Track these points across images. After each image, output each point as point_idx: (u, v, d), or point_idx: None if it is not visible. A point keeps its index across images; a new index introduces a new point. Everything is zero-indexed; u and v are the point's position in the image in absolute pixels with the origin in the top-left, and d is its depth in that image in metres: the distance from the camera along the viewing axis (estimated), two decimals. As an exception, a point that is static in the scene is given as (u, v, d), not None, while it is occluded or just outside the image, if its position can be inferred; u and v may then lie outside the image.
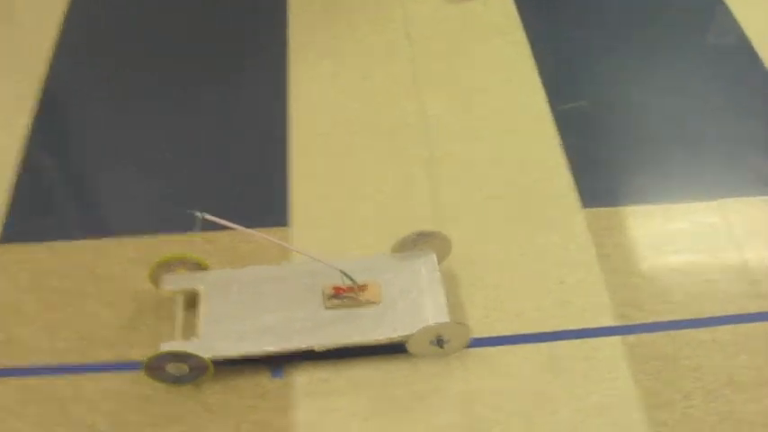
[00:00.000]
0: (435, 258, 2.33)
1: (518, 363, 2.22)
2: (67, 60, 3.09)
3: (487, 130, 2.81)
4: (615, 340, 2.26)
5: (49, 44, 3.13)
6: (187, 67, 3.07)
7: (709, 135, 2.80)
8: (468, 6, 3.26)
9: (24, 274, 2.43)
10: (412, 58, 3.06)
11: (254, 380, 2.19)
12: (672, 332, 2.27)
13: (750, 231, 2.52)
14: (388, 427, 2.11)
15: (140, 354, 2.22)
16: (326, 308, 2.23)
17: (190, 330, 2.21)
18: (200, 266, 2.34)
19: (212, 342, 2.17)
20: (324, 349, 2.17)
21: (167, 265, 2.31)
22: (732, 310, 2.32)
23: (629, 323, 2.29)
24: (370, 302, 2.23)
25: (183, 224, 2.50)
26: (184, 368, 2.14)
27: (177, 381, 2.17)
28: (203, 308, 2.25)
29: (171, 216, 2.57)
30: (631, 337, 2.26)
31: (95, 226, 2.57)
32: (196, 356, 2.12)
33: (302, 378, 2.19)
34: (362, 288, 2.24)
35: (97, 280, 2.41)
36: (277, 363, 2.21)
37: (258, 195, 2.63)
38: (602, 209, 2.56)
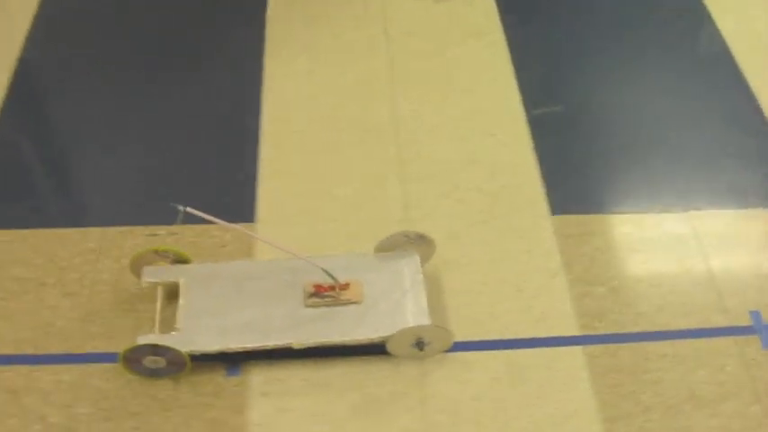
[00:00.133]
0: (419, 260, 2.30)
1: (476, 369, 2.19)
2: (40, 48, 3.06)
3: (461, 131, 2.79)
4: (576, 350, 2.24)
5: (22, 33, 3.10)
6: (162, 58, 3.04)
7: (684, 144, 2.78)
8: (449, 5, 3.24)
9: (-16, 261, 2.42)
10: (389, 56, 3.03)
11: (210, 377, 2.16)
12: (634, 344, 2.25)
13: (719, 244, 2.50)
14: (342, 430, 2.09)
15: (96, 346, 2.21)
16: (306, 306, 2.21)
17: (168, 323, 2.18)
18: (182, 260, 2.31)
19: (191, 336, 2.15)
20: (302, 347, 2.15)
21: (149, 257, 2.29)
22: (696, 323, 2.30)
23: (591, 333, 2.27)
24: (351, 302, 2.22)
25: (147, 216, 2.53)
26: (161, 362, 2.12)
27: (154, 374, 2.15)
28: (183, 301, 2.22)
29: (135, 208, 2.56)
30: (593, 348, 2.24)
31: (58, 215, 2.55)
32: (173, 350, 2.10)
33: (258, 377, 2.17)
34: (344, 287, 2.22)
35: (58, 270, 2.38)
36: (234, 360, 2.19)
37: (226, 190, 2.60)
38: (571, 216, 2.54)
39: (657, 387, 2.17)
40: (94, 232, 2.47)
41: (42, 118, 2.85)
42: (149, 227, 2.47)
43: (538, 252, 2.44)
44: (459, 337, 2.25)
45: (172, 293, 2.26)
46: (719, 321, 2.31)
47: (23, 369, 2.17)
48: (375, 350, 2.19)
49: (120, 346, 2.18)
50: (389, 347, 2.18)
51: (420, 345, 2.17)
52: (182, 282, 2.26)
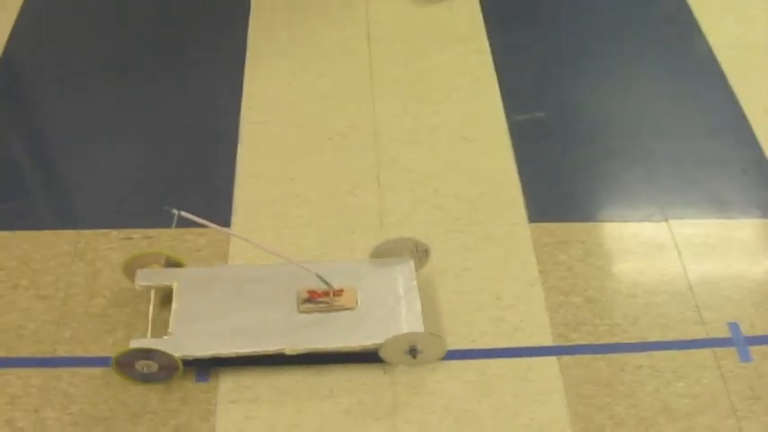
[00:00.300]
0: (413, 266, 2.29)
1: (447, 379, 2.17)
2: (21, 49, 3.03)
3: (440, 137, 2.76)
4: (550, 361, 2.21)
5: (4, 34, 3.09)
6: (143, 59, 3.02)
7: (666, 153, 2.75)
8: (432, 10, 3.22)
9: (-43, 263, 2.41)
10: (370, 60, 3.01)
11: (179, 383, 2.15)
12: (609, 355, 2.23)
13: (698, 255, 2.47)
14: (310, 439, 2.08)
15: (67, 350, 2.19)
16: (300, 311, 2.19)
17: (161, 328, 2.17)
18: (174, 263, 2.30)
19: (183, 341, 2.14)
20: (295, 353, 2.13)
21: (142, 260, 2.27)
22: (672, 335, 2.27)
23: (566, 344, 2.24)
24: (344, 308, 2.20)
25: (122, 219, 2.51)
26: (154, 366, 2.11)
27: (147, 379, 2.14)
28: (176, 305, 2.21)
29: (111, 211, 2.54)
30: (567, 359, 2.21)
31: (33, 217, 2.52)
32: (166, 354, 2.09)
33: (227, 384, 2.15)
34: (338, 293, 2.21)
35: (32, 273, 2.36)
36: (204, 366, 2.16)
37: (202, 194, 2.57)
38: (549, 224, 2.52)
39: (632, 399, 2.14)
40: (69, 235, 2.45)
41: (13, 121, 2.82)
42: (124, 230, 2.45)
43: (515, 261, 2.42)
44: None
45: (162, 296, 2.26)
46: (697, 333, 2.28)
47: (-8, 372, 2.17)
48: (369, 357, 2.16)
49: (90, 351, 2.18)
50: (382, 354, 2.16)
51: (413, 352, 2.15)
52: (175, 285, 2.24)
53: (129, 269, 2.27)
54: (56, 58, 3.02)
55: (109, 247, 2.42)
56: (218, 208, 2.52)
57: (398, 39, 3.10)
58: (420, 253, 2.30)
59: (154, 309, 2.21)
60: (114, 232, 2.45)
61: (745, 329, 2.28)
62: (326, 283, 2.18)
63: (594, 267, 2.42)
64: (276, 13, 3.19)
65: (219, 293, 2.23)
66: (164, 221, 2.41)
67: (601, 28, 3.21)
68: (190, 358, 2.12)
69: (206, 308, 2.20)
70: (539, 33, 3.19)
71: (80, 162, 2.68)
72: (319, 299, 2.19)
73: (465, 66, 3.01)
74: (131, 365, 2.10)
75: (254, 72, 2.95)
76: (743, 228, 2.54)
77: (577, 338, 2.25)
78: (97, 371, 2.16)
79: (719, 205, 2.60)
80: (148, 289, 2.25)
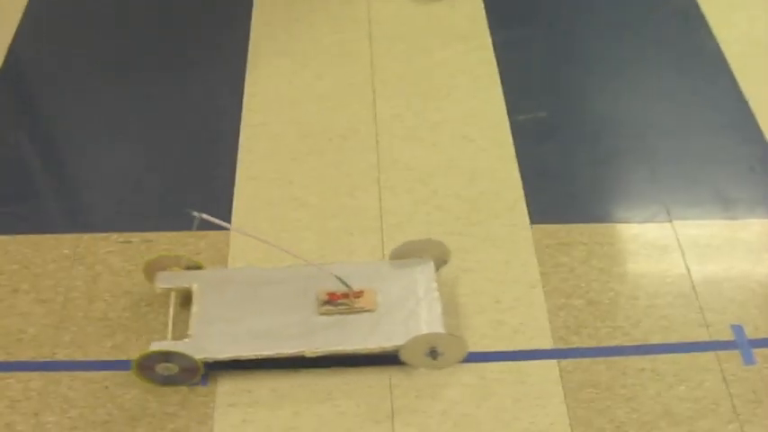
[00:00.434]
0: (433, 267, 2.27)
1: (446, 383, 2.15)
2: (25, 49, 3.04)
3: (441, 136, 2.74)
4: (550, 364, 2.19)
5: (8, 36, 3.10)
6: (146, 59, 3.02)
7: (671, 153, 2.72)
8: (434, 7, 3.19)
9: (-42, 267, 2.41)
10: (371, 59, 2.99)
11: (177, 386, 2.14)
12: (610, 359, 2.20)
13: (702, 256, 2.44)
14: (307, 443, 2.07)
15: (66, 354, 2.20)
16: (320, 313, 2.19)
17: (180, 330, 2.18)
18: (194, 266, 2.30)
19: (204, 343, 2.14)
20: (315, 355, 2.13)
21: (161, 262, 2.28)
22: (675, 338, 2.24)
23: (566, 347, 2.22)
24: (364, 310, 2.19)
25: (122, 223, 2.51)
26: (174, 368, 2.11)
27: (167, 381, 2.14)
28: (196, 307, 2.21)
29: (110, 214, 2.54)
30: (567, 362, 2.19)
31: (33, 221, 2.52)
32: (186, 357, 2.09)
33: (225, 387, 2.15)
34: (358, 294, 2.20)
35: (32, 277, 2.37)
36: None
37: (203, 196, 2.57)
38: (551, 225, 2.49)
39: (633, 403, 2.12)
40: (69, 239, 2.45)
41: (15, 124, 2.83)
42: (123, 234, 2.45)
43: (516, 262, 2.40)
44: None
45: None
46: (700, 336, 2.26)
47: (-8, 376, 2.18)
48: (390, 360, 2.15)
49: (89, 355, 2.18)
50: (403, 356, 2.15)
51: (434, 354, 2.14)
52: (195, 288, 2.24)
53: (149, 271, 2.28)
54: (57, 60, 3.02)
55: (108, 250, 2.42)
56: (218, 209, 2.50)
57: (400, 37, 3.08)
58: (441, 254, 2.29)
59: (174, 311, 2.21)
60: (114, 235, 2.45)
61: (749, 332, 2.25)
62: (346, 284, 2.17)
63: (597, 269, 2.39)
64: (277, 12, 3.17)
65: (238, 295, 2.23)
66: (164, 223, 2.47)
67: (605, 25, 3.17)
68: (210, 360, 2.12)
69: (225, 310, 2.20)
70: (541, 31, 3.16)
71: (80, 163, 2.69)
72: (339, 301, 2.19)
73: (466, 64, 2.98)
74: (152, 368, 2.11)
75: (255, 72, 2.95)
76: (749, 227, 2.51)
77: (578, 342, 2.23)
78: (97, 375, 2.17)
79: (725, 204, 2.56)
80: (168, 291, 2.25)
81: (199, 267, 2.31)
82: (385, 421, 2.08)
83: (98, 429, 2.07)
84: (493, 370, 2.18)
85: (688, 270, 2.40)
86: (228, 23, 3.14)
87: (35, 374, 2.17)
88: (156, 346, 2.11)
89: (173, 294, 2.25)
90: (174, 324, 2.18)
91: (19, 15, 3.14)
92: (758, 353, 2.21)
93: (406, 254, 2.29)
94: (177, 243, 2.43)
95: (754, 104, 2.83)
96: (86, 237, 2.45)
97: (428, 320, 2.16)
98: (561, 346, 2.22)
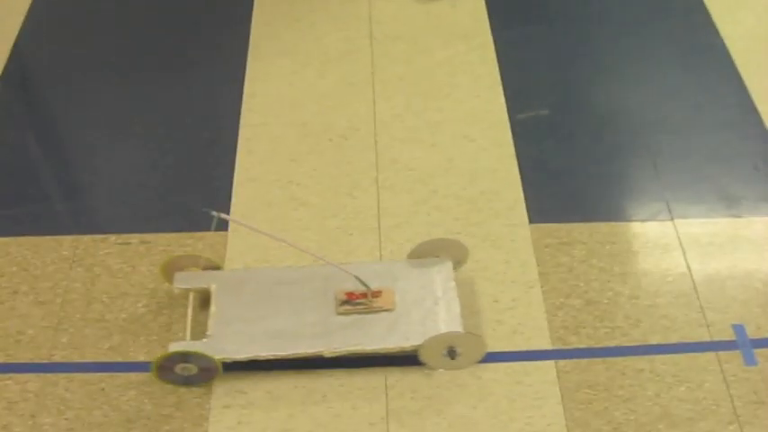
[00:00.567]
0: (451, 266, 2.27)
1: (442, 384, 2.14)
2: (28, 50, 3.05)
3: (441, 136, 2.73)
4: (548, 365, 2.17)
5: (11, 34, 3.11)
6: (146, 59, 3.02)
7: (672, 150, 2.68)
8: (436, 7, 3.17)
9: (-43, 269, 2.42)
10: (372, 58, 2.98)
11: (174, 388, 2.14)
12: (608, 359, 2.18)
13: (704, 254, 2.41)
14: (302, 445, 2.06)
15: (64, 356, 2.21)
16: (338, 313, 2.18)
17: (198, 330, 2.18)
18: (212, 266, 2.31)
19: (222, 343, 2.14)
20: (334, 355, 2.13)
21: (179, 262, 2.28)
22: (675, 338, 2.22)
23: (564, 347, 2.20)
24: (383, 309, 2.19)
25: (121, 224, 2.51)
26: (193, 369, 2.12)
27: (187, 382, 2.15)
28: (214, 308, 2.21)
29: (109, 215, 2.55)
30: (565, 363, 2.17)
31: (32, 223, 2.53)
32: (205, 357, 2.09)
33: (220, 388, 2.14)
34: (376, 294, 2.20)
35: (31, 278, 2.37)
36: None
37: (201, 196, 2.56)
38: (550, 225, 2.47)
39: (631, 404, 2.10)
40: (68, 240, 2.46)
41: (16, 125, 2.84)
42: (122, 235, 2.46)
43: (515, 262, 2.38)
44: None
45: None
46: (701, 336, 2.23)
47: (-10, 377, 2.19)
48: (408, 360, 2.15)
49: (86, 356, 2.19)
50: (421, 356, 2.15)
51: (452, 353, 2.13)
52: (213, 288, 2.24)
53: (168, 272, 2.28)
54: (58, 60, 3.03)
55: (107, 252, 2.42)
56: (218, 209, 2.44)
57: (401, 36, 3.06)
58: (459, 254, 2.28)
59: (192, 311, 2.21)
60: (112, 237, 2.46)
61: (751, 332, 2.22)
62: (365, 284, 2.17)
63: (596, 269, 2.37)
64: (278, 12, 3.17)
65: (256, 295, 2.23)
66: (162, 225, 2.47)
67: (607, 23, 3.14)
68: (229, 360, 2.12)
69: (243, 310, 2.20)
70: (543, 29, 3.13)
71: (79, 164, 2.70)
72: (357, 300, 2.19)
73: (467, 63, 2.96)
74: (171, 369, 2.11)
75: (255, 72, 2.94)
76: (752, 225, 2.47)
77: (576, 342, 2.21)
78: (93, 376, 2.17)
79: (728, 202, 2.53)
80: (187, 291, 2.26)
81: (217, 268, 2.31)
82: (380, 423, 2.07)
83: (94, 431, 2.07)
84: (489, 370, 2.16)
85: (689, 269, 2.36)
86: (228, 23, 3.13)
87: (32, 376, 2.17)
88: (176, 347, 2.11)
89: (191, 295, 2.25)
90: (181, 325, 2.18)
91: (21, 17, 3.15)
92: (760, 353, 2.18)
93: (423, 253, 2.28)
94: (175, 244, 2.42)
95: (759, 102, 2.79)
96: (86, 238, 2.46)
97: (446, 320, 2.15)
98: (559, 346, 2.20)
